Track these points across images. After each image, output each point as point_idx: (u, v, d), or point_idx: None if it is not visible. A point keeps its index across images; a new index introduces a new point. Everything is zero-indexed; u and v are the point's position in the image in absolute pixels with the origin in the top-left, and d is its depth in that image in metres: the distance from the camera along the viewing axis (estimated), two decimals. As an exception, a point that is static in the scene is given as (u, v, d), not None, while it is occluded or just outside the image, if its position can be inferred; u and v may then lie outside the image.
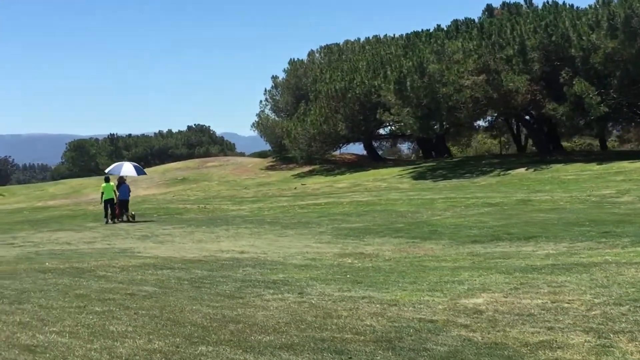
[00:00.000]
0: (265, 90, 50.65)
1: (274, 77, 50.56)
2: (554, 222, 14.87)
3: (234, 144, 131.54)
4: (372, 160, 46.28)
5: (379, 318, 6.75)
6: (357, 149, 52.30)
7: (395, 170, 34.89)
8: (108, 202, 23.92)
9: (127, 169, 26.64)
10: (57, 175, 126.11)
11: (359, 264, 11.18)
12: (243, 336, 6.12)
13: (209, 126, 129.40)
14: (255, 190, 34.33)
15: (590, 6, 30.18)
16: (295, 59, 49.33)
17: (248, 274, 10.16)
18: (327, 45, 47.93)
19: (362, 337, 5.95)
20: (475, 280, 8.69)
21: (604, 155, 32.07)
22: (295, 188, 31.94)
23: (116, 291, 8.54)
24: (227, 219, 21.27)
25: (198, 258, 12.34)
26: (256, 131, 49.71)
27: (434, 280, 8.84)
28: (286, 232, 16.93)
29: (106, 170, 27.59)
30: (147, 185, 44.61)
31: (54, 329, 6.41)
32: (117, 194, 24.40)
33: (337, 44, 47.83)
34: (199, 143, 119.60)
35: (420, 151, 50.01)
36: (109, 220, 23.13)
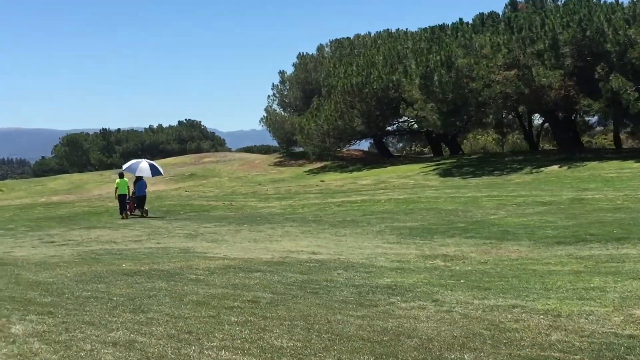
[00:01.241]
0: (273, 85, 49.89)
1: (282, 72, 49.77)
2: (629, 222, 14.33)
3: (224, 140, 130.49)
4: (381, 157, 45.69)
5: (562, 332, 6.13)
6: (361, 145, 51.70)
7: (416, 167, 34.29)
8: (122, 197, 24.30)
9: (143, 168, 26.49)
10: (39, 170, 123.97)
11: (457, 267, 10.54)
12: (434, 353, 5.48)
13: (200, 121, 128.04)
14: (273, 187, 33.58)
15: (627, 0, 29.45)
16: (304, 53, 48.54)
17: (349, 278, 9.51)
18: (337, 39, 47.18)
19: (576, 357, 5.32)
20: (615, 287, 8.10)
21: (631, 153, 31.67)
22: (317, 185, 31.24)
23: (231, 297, 7.87)
24: (266, 217, 20.57)
25: (275, 260, 11.64)
26: (265, 126, 48.92)
27: (567, 287, 8.24)
28: (341, 232, 16.26)
29: (123, 167, 27.80)
30: (154, 181, 43.56)
31: (213, 343, 5.75)
32: (133, 189, 24.76)
33: (348, 38, 47.10)
34: (190, 138, 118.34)
35: (429, 148, 49.49)
36: (125, 215, 23.51)
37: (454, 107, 30.45)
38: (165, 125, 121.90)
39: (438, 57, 29.65)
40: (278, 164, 46.86)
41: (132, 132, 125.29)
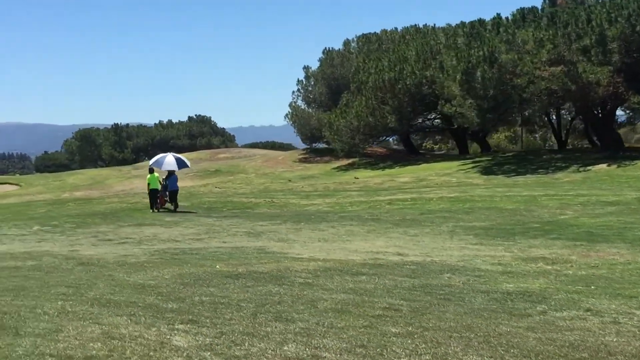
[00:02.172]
0: (298, 80, 49.26)
1: (306, 68, 49.15)
2: None
3: (233, 136, 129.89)
4: (408, 154, 45.10)
5: None
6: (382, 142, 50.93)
7: (453, 164, 33.68)
8: (153, 192, 24.85)
9: (168, 162, 26.71)
10: (41, 165, 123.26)
11: (569, 271, 9.96)
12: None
13: (210, 117, 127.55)
14: (307, 184, 33.01)
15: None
16: (330, 49, 47.90)
17: (467, 283, 8.99)
18: (364, 34, 46.53)
19: None
20: None
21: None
22: (353, 182, 30.69)
23: (366, 304, 7.36)
24: (320, 215, 20.00)
25: (368, 261, 11.10)
26: (289, 122, 48.33)
27: None
28: (409, 231, 15.71)
29: (150, 162, 28.32)
30: (180, 177, 43.06)
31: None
32: (165, 183, 25.19)
33: (376, 33, 46.46)
34: (201, 134, 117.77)
35: (454, 145, 48.87)
36: (156, 209, 24.17)
37: (494, 104, 29.83)
38: (174, 120, 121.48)
39: (481, 53, 29.03)
40: (303, 161, 46.29)
41: (142, 128, 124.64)
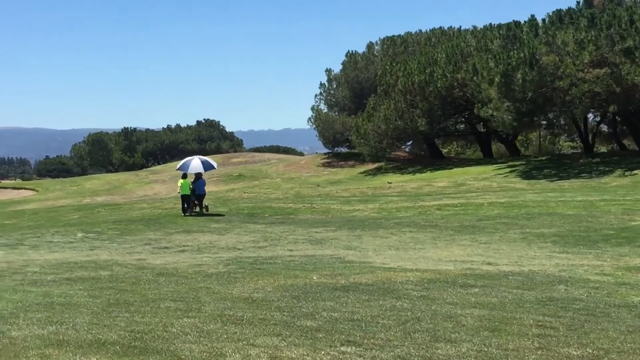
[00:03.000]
0: (321, 83, 48.68)
1: (328, 71, 48.62)
2: None
3: (241, 140, 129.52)
4: (433, 158, 44.55)
5: None
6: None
7: (487, 168, 33.09)
8: (185, 197, 25.09)
9: (194, 165, 26.73)
10: (43, 170, 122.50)
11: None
12: None
13: (219, 121, 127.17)
14: (341, 189, 32.43)
15: None
16: (354, 51, 47.40)
17: (592, 296, 8.42)
18: (389, 37, 45.97)
19: None
20: None
21: None
22: (389, 187, 30.12)
23: (512, 322, 6.80)
24: (373, 222, 19.45)
25: (463, 271, 10.53)
26: (313, 125, 47.78)
27: None
28: (478, 238, 15.17)
29: (176, 168, 28.45)
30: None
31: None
32: (193, 187, 25.30)
33: (400, 36, 45.92)
34: (210, 138, 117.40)
35: (477, 149, 48.28)
36: (187, 213, 24.48)
37: (532, 107, 29.27)
38: (182, 125, 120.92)
39: (521, 54, 28.46)
40: (326, 165, 45.72)
41: (150, 132, 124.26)
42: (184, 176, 26.01)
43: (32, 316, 6.92)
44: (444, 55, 36.53)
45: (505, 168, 32.25)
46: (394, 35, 46.06)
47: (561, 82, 27.76)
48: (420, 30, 46.39)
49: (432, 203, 22.76)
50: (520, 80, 28.02)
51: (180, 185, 25.67)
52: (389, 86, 39.01)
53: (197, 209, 25.42)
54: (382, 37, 46.43)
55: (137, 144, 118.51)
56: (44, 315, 6.98)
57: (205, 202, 26.12)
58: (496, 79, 28.79)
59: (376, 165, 41.81)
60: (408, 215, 20.67)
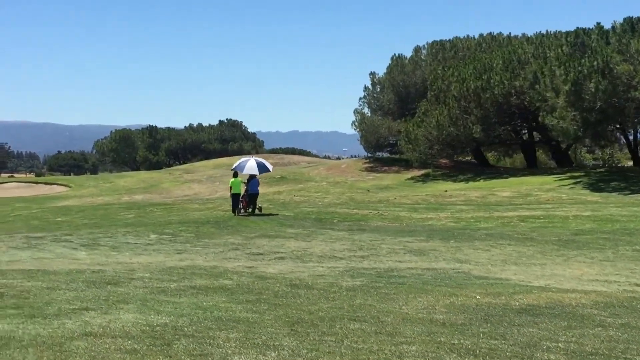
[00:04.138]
0: (365, 87, 47.90)
1: (372, 74, 47.81)
2: None
3: (262, 141, 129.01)
4: (481, 167, 43.69)
5: None
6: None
7: (547, 179, 32.11)
8: (236, 196, 25.58)
9: (250, 166, 27.01)
10: (55, 165, 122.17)
11: None
12: None
13: (241, 122, 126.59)
14: (391, 195, 31.63)
15: None
16: (400, 55, 46.55)
17: None
18: (437, 41, 45.13)
19: None
20: None
21: None
22: (450, 196, 29.25)
23: None
24: (460, 233, 18.64)
25: (621, 293, 9.68)
26: (357, 130, 47.00)
27: None
28: (592, 255, 14.32)
29: (232, 167, 28.66)
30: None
31: None
32: (246, 187, 25.83)
33: (450, 40, 45.08)
34: (232, 139, 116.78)
35: (523, 157, 47.28)
36: (238, 213, 24.95)
37: (601, 117, 28.35)
38: (204, 124, 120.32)
39: (594, 63, 27.56)
40: (369, 170, 44.91)
41: (172, 130, 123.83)
42: (235, 175, 26.53)
43: (237, 336, 6.16)
44: (500, 62, 35.67)
45: (566, 179, 31.29)
46: (442, 40, 45.22)
47: (637, 93, 26.85)
48: (469, 36, 45.58)
49: (510, 214, 21.90)
50: (593, 90, 27.11)
51: (231, 185, 26.00)
52: (440, 91, 38.19)
53: (249, 209, 25.69)
54: (429, 41, 45.57)
55: (161, 142, 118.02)
56: (249, 335, 6.23)
57: (258, 203, 26.32)
58: (565, 87, 27.88)
59: (423, 171, 40.96)
60: (491, 226, 19.82)
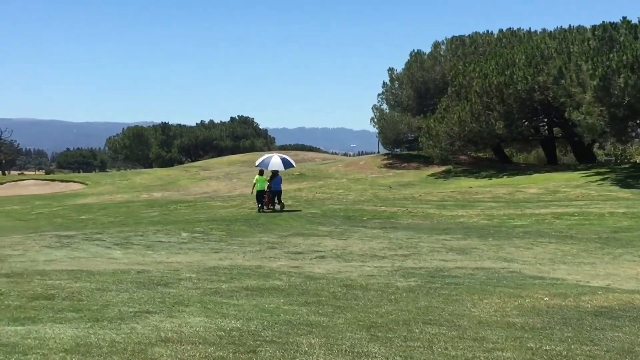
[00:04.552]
0: (384, 83, 47.53)
1: (391, 70, 47.47)
2: None
3: (273, 138, 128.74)
4: (501, 163, 43.33)
5: None
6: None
7: (573, 175, 31.74)
8: (261, 193, 25.74)
9: (275, 162, 27.30)
10: (64, 162, 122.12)
11: None
12: None
13: (253, 118, 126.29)
14: (414, 192, 31.32)
15: None
16: (418, 51, 46.18)
17: None
18: (457, 36, 44.69)
19: None
20: None
21: None
22: (476, 193, 28.94)
23: None
24: (496, 230, 18.32)
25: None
26: (375, 126, 46.68)
27: None
28: (637, 253, 13.94)
29: (256, 164, 28.68)
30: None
31: None
32: (269, 184, 25.92)
33: (469, 36, 44.66)
34: (244, 135, 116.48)
35: (543, 154, 46.82)
36: (262, 209, 25.29)
37: (629, 113, 27.96)
38: (215, 121, 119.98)
39: (624, 57, 27.17)
40: (388, 166, 44.60)
41: (184, 127, 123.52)
42: (261, 172, 26.55)
43: (319, 342, 5.92)
44: (523, 57, 35.26)
45: (592, 175, 30.92)
46: (462, 35, 44.81)
47: (667, 88, 26.47)
48: (488, 31, 45.11)
49: (542, 211, 21.59)
50: (622, 85, 26.73)
51: (255, 182, 26.14)
52: (461, 87, 37.83)
53: (272, 206, 25.86)
54: (448, 37, 45.17)
55: (174, 139, 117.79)
56: (330, 340, 5.98)
57: (283, 201, 26.33)
58: (593, 83, 27.50)
59: (443, 168, 40.61)
60: (525, 223, 19.52)
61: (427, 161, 43.79)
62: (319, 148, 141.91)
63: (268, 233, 18.44)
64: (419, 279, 10.55)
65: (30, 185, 60.64)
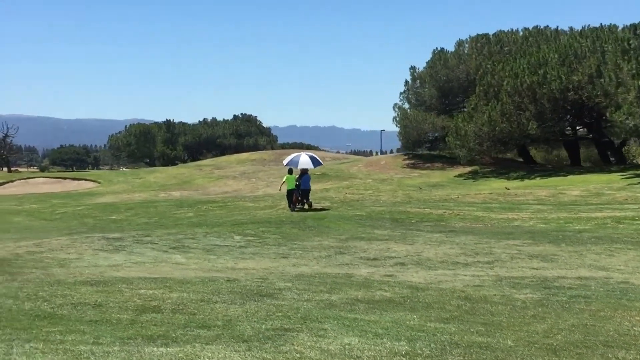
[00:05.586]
0: (406, 81, 46.88)
1: (413, 68, 46.80)
2: None
3: (276, 136, 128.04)
4: (525, 164, 42.75)
5: None
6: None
7: (611, 177, 31.13)
8: (291, 192, 25.92)
9: (304, 161, 27.39)
10: (57, 159, 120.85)
11: None
12: None
13: (256, 116, 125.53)
14: (446, 193, 30.67)
15: None
16: (441, 49, 45.51)
17: None
18: (482, 34, 44.07)
19: None
20: None
21: None
22: (507, 189, 28.38)
23: None
24: (563, 236, 17.65)
25: None
26: (398, 125, 45.97)
27: None
28: None
29: (284, 163, 28.34)
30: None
31: None
32: (298, 182, 26.08)
33: (495, 34, 44.01)
34: (248, 133, 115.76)
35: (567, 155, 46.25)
36: (293, 209, 25.37)
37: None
38: (217, 119, 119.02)
39: (673, 56, 26.63)
40: (411, 166, 43.98)
41: (187, 125, 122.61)
42: (290, 171, 26.52)
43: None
44: (555, 56, 34.66)
45: (632, 177, 30.33)
46: (487, 34, 44.17)
47: None
48: (513, 29, 44.51)
49: (598, 215, 20.98)
50: (667, 84, 26.20)
51: (285, 181, 26.36)
52: (490, 86, 37.19)
53: (300, 205, 26.03)
54: (472, 35, 44.50)
55: (178, 137, 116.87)
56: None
57: (311, 200, 26.40)
58: (637, 82, 26.91)
59: (469, 168, 40.01)
60: (587, 228, 18.90)
61: (450, 161, 43.21)
62: (317, 146, 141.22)
63: (324, 236, 17.79)
64: (533, 290, 9.90)
65: (40, 184, 59.87)
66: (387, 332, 6.81)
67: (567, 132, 41.33)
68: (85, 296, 9.13)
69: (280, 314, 7.97)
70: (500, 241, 16.47)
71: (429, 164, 43.55)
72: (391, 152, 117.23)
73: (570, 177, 32.71)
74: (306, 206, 26.00)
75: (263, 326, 7.16)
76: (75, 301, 8.82)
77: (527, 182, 33.31)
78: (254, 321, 7.44)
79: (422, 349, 6.06)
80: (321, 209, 25.79)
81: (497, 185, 33.00)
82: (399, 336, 6.60)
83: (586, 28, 38.99)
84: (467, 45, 44.41)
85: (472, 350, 6.10)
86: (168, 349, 6.02)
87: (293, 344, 6.20)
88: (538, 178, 34.07)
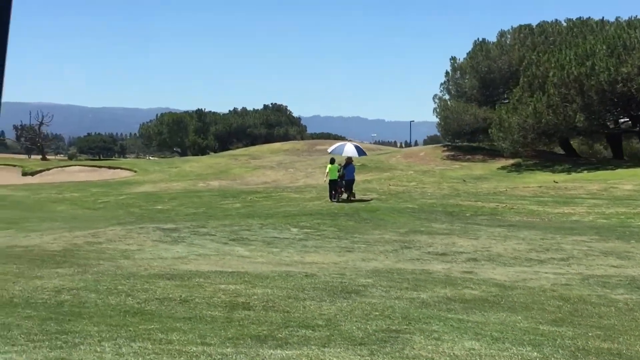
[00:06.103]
0: (446, 72, 46.24)
1: (453, 59, 46.12)
2: None
3: (305, 127, 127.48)
4: (568, 157, 41.97)
5: None
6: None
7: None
8: (333, 182, 25.52)
9: (349, 149, 26.98)
10: (85, 147, 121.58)
11: None
12: None
13: (286, 106, 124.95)
14: (492, 186, 30.15)
15: None
16: (483, 40, 44.76)
17: None
18: (525, 25, 43.24)
19: None
20: None
21: None
22: (556, 182, 27.84)
23: None
24: (630, 232, 17.15)
25: None
26: (438, 116, 45.39)
27: None
28: None
29: (328, 150, 28.32)
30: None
31: None
32: (342, 172, 25.59)
33: (539, 25, 43.18)
34: (278, 123, 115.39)
35: (610, 149, 45.34)
36: (334, 199, 25.12)
37: None
38: (249, 108, 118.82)
39: None
40: (451, 158, 43.41)
41: (217, 115, 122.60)
42: (332, 161, 26.04)
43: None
44: (603, 47, 33.84)
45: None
46: (530, 24, 43.32)
47: None
48: (556, 20, 43.62)
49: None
50: None
51: (328, 171, 25.81)
52: (534, 78, 36.47)
53: (344, 196, 25.61)
54: (514, 26, 43.66)
55: (209, 127, 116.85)
56: None
57: (354, 191, 25.95)
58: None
59: (512, 161, 39.36)
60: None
61: (491, 153, 42.59)
62: (345, 137, 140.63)
63: (382, 229, 17.50)
64: (627, 291, 9.54)
65: (76, 172, 60.30)
66: (504, 336, 6.51)
67: (609, 125, 40.43)
68: (167, 291, 8.96)
69: (377, 313, 7.71)
70: (565, 237, 16.03)
71: (469, 156, 42.97)
72: (416, 144, 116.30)
73: (619, 170, 32.00)
74: (344, 196, 25.54)
75: (369, 327, 6.89)
76: (159, 296, 8.65)
77: (574, 175, 32.66)
78: (355, 321, 7.18)
79: (554, 355, 5.75)
80: (364, 200, 25.52)
81: (542, 178, 32.40)
82: (521, 341, 6.29)
83: (633, 19, 38.05)
84: (509, 36, 43.62)
85: (605, 358, 5.78)
86: (286, 351, 5.78)
87: (414, 348, 5.92)
88: (585, 171, 33.37)
